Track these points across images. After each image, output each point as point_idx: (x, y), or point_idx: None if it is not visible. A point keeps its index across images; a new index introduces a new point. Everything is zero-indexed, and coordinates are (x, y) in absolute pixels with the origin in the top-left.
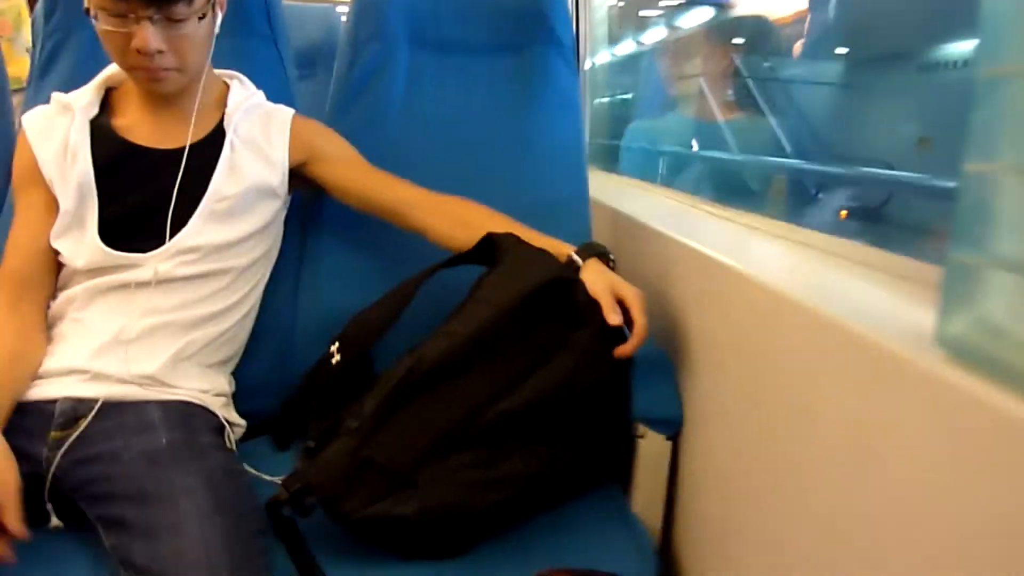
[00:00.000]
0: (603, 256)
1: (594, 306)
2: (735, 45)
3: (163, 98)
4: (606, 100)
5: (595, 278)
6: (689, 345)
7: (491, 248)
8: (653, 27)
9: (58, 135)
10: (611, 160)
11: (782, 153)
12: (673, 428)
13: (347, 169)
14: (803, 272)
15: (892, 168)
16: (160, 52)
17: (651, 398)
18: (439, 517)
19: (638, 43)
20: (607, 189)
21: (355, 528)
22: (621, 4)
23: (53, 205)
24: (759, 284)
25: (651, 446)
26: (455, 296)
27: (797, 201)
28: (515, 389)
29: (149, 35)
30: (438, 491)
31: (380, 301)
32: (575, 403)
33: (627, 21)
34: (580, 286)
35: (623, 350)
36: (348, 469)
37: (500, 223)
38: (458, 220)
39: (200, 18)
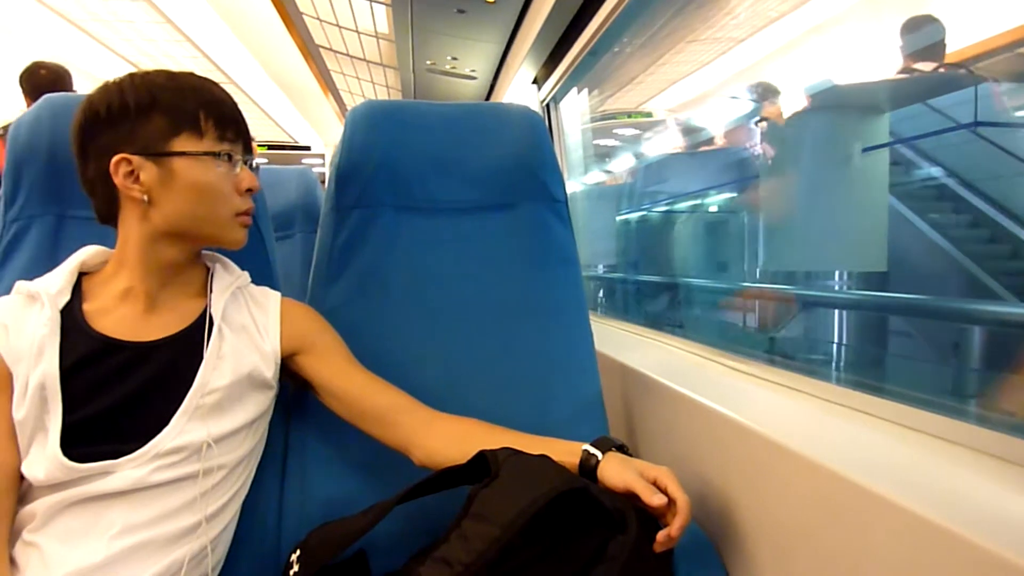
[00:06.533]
0: (621, 449)
1: (625, 507)
2: None
3: (151, 283)
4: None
5: (619, 469)
6: (738, 528)
7: (484, 463)
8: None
9: (28, 331)
10: None
11: None
12: None
13: (338, 366)
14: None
15: None
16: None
17: None
18: None
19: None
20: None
21: None
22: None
23: None
24: (835, 474)
25: None
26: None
27: None
28: None
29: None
30: None
31: (350, 517)
32: None
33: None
34: (601, 490)
35: (670, 531)
36: None
37: (499, 437)
38: (452, 433)
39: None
